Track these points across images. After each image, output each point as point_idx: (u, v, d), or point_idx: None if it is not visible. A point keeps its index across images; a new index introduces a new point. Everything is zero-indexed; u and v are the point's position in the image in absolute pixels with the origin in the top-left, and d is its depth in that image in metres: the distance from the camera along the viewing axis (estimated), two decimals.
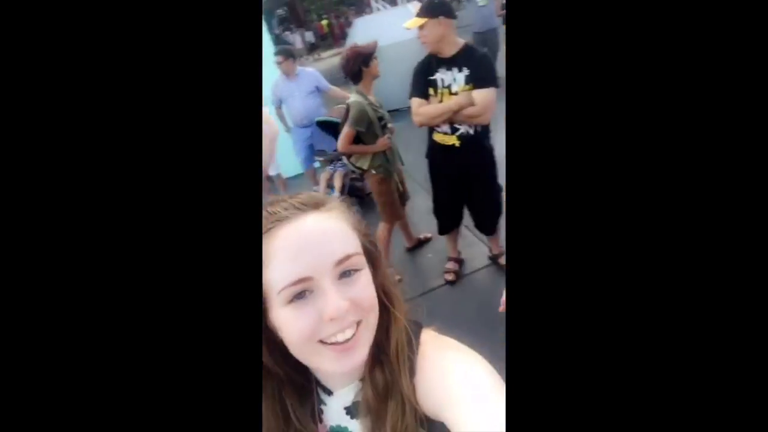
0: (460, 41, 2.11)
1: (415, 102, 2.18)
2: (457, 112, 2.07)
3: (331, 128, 3.65)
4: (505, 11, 5.52)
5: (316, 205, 0.53)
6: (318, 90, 4.03)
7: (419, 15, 2.03)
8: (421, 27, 2.02)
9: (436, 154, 2.36)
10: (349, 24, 6.68)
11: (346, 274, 0.50)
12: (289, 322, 0.49)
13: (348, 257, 0.50)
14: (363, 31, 5.88)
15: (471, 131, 2.16)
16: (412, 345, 0.56)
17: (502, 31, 5.72)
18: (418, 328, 0.59)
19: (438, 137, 2.26)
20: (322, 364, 0.51)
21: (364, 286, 0.51)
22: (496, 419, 0.44)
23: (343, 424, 0.59)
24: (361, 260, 0.52)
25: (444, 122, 2.16)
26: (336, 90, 4.12)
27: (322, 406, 0.60)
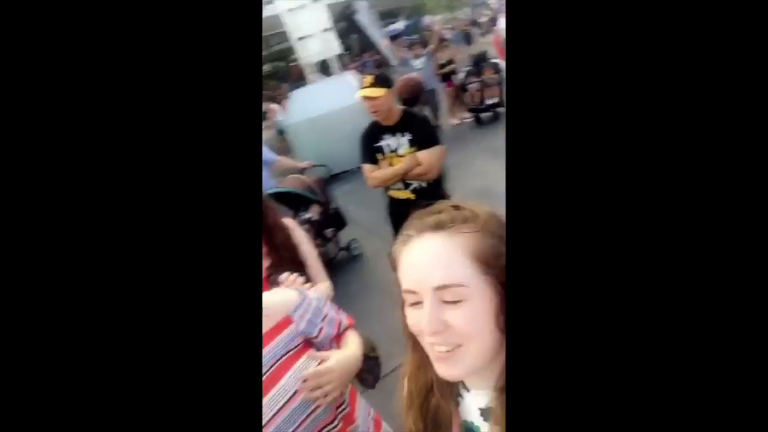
0: (399, 108, 2.30)
1: (367, 168, 2.36)
2: (406, 173, 2.22)
3: (290, 200, 3.34)
4: (441, 71, 5.95)
5: (437, 227, 0.54)
6: (265, 163, 3.51)
7: (376, 86, 2.15)
8: (374, 97, 2.15)
9: (394, 208, 2.49)
10: (286, 97, 6.70)
11: (449, 300, 0.51)
12: (408, 321, 0.55)
13: (445, 287, 0.51)
14: (302, 103, 5.93)
15: (423, 184, 2.29)
16: None
17: (441, 89, 6.15)
18: None
19: (393, 193, 2.41)
20: (431, 359, 0.55)
21: (463, 316, 0.51)
22: None
23: (476, 423, 0.60)
24: (465, 292, 0.51)
25: (396, 182, 2.32)
26: (283, 160, 3.91)
27: (459, 399, 0.62)
